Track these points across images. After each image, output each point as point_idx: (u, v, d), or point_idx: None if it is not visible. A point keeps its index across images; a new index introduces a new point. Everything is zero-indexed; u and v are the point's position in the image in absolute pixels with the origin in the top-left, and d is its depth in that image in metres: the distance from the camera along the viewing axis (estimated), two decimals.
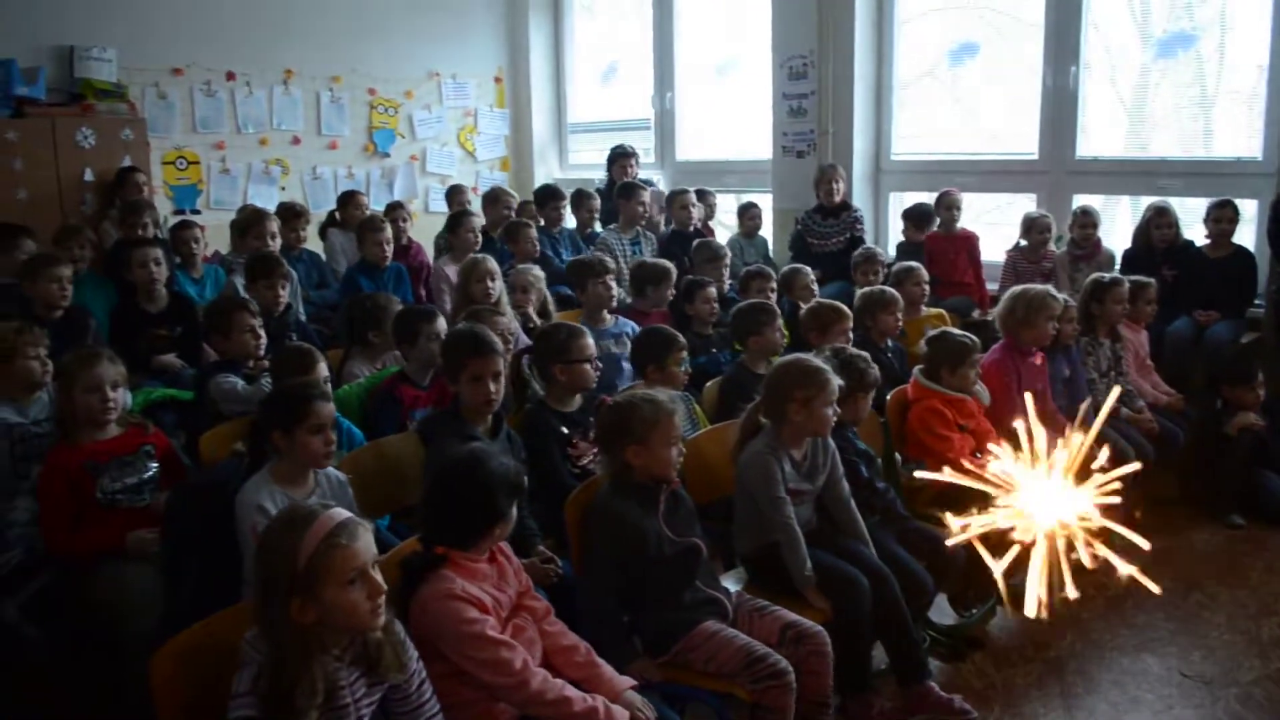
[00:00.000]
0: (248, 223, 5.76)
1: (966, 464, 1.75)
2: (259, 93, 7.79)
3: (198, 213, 7.19)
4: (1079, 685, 3.37)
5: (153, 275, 4.84)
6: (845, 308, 4.54)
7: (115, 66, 6.90)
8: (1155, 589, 1.50)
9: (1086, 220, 6.06)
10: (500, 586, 2.47)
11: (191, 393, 4.10)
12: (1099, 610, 3.80)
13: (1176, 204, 5.96)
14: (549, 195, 7.00)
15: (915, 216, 6.68)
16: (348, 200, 6.78)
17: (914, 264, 5.44)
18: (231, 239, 5.75)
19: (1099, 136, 6.65)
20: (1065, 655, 3.56)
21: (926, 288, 5.37)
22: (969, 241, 6.53)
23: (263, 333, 4.04)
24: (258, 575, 2.02)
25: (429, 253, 6.81)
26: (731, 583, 3.10)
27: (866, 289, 4.95)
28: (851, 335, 4.46)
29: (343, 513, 2.04)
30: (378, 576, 2.03)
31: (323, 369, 3.51)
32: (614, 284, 5.02)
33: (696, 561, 2.85)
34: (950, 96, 7.25)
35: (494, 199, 6.93)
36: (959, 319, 5.47)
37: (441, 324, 3.91)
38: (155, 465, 3.32)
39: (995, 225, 7.04)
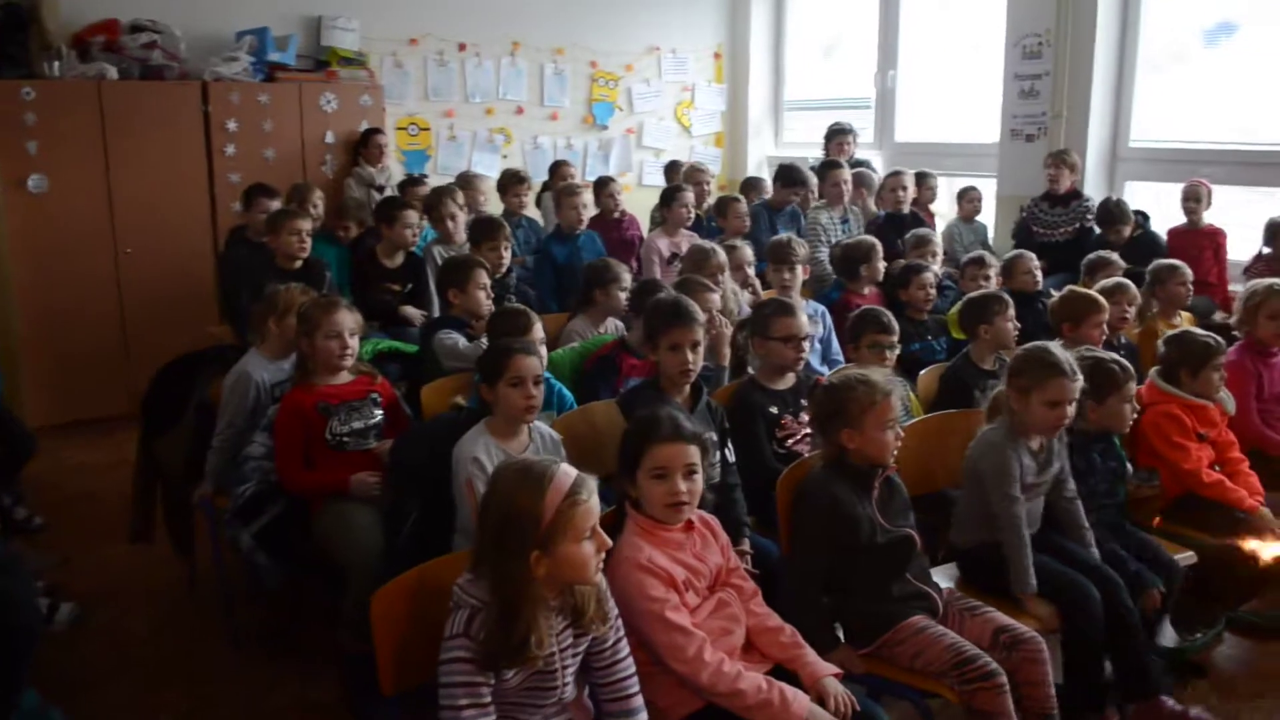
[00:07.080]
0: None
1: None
2: (487, 63, 8.03)
3: (425, 176, 7.50)
4: None
5: (414, 235, 5.20)
6: (1102, 299, 4.13)
7: (358, 36, 7.26)
8: None
9: None
10: (700, 557, 2.45)
11: (415, 346, 4.27)
12: None
13: None
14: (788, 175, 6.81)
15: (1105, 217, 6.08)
16: (555, 169, 7.01)
17: (1178, 262, 4.90)
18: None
19: None
20: None
21: (1190, 289, 4.87)
22: (1214, 238, 6.02)
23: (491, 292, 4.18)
24: (494, 528, 2.04)
25: (644, 226, 6.87)
26: (942, 579, 2.97)
27: (1102, 282, 4.63)
28: (1105, 330, 4.09)
29: (571, 468, 2.07)
30: (602, 531, 2.06)
31: (538, 330, 3.54)
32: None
33: (908, 553, 2.74)
34: (1201, 80, 6.70)
35: (687, 175, 6.96)
36: (1198, 320, 5.05)
37: None
38: (380, 413, 3.46)
39: (1242, 224, 6.45)
